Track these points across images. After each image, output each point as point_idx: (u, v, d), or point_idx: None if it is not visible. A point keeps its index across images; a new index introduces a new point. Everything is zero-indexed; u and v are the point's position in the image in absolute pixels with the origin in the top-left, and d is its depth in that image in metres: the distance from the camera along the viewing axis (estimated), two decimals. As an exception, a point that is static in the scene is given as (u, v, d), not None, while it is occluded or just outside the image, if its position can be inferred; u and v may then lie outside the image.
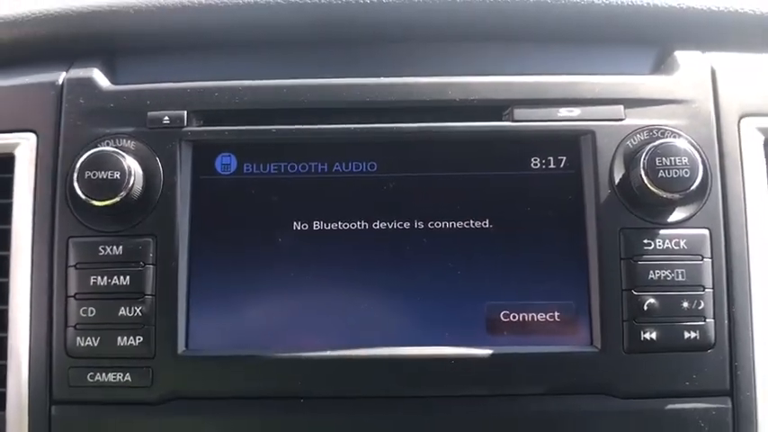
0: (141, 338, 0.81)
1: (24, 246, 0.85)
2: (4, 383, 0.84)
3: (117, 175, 0.81)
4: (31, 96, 0.89)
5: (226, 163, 0.86)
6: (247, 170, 0.85)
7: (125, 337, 0.81)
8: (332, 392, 0.81)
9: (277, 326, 0.83)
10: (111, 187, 0.80)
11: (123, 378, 0.81)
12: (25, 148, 0.87)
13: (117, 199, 0.81)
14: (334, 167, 0.85)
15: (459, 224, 0.83)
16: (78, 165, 0.81)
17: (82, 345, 0.81)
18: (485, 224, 0.83)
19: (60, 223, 0.84)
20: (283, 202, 0.84)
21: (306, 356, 0.81)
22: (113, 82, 0.89)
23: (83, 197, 0.81)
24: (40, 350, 0.83)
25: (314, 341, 0.82)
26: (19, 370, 0.83)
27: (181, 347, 0.81)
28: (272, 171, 0.85)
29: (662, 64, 0.89)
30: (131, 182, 0.81)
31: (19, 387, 0.83)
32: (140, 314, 0.81)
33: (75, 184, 0.81)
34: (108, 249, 0.82)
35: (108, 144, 0.84)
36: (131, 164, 0.82)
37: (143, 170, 0.83)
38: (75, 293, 0.82)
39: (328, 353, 0.81)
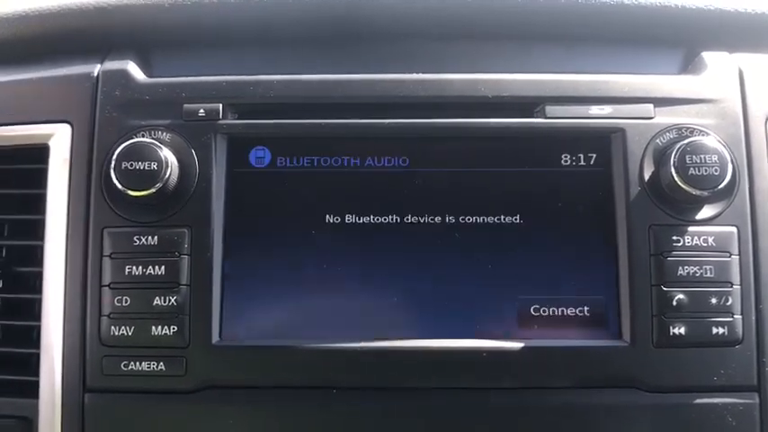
0: (176, 328, 0.81)
1: (59, 236, 0.86)
2: (37, 372, 0.85)
3: (154, 165, 0.81)
4: (66, 88, 0.89)
5: (260, 156, 0.86)
6: (281, 164, 0.86)
7: (159, 327, 0.81)
8: (365, 383, 0.82)
9: (309, 317, 0.83)
10: (148, 178, 0.81)
11: (157, 367, 0.81)
12: (60, 139, 0.88)
13: (153, 190, 0.81)
14: (367, 162, 0.86)
15: (490, 219, 0.84)
16: (115, 155, 0.82)
17: (116, 334, 0.82)
18: (515, 219, 0.84)
19: (95, 213, 0.84)
20: (316, 196, 0.85)
21: (338, 347, 0.81)
22: (148, 75, 0.89)
23: (119, 187, 0.82)
24: (74, 339, 0.83)
25: (346, 333, 0.82)
26: (52, 359, 0.84)
27: (215, 337, 0.82)
28: (305, 165, 0.86)
29: (689, 64, 0.90)
30: (168, 173, 0.82)
31: (52, 376, 0.84)
32: (175, 304, 0.81)
33: (112, 174, 0.82)
34: (143, 239, 0.83)
35: (144, 136, 0.85)
36: (168, 155, 0.82)
37: (178, 162, 0.83)
38: (110, 283, 0.83)
39: (362, 344, 0.81)
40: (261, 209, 0.85)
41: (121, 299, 0.82)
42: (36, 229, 0.89)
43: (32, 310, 0.89)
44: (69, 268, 0.84)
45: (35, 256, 0.89)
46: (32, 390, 0.85)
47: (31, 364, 0.87)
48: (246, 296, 0.83)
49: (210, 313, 0.82)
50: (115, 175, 0.82)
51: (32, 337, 0.88)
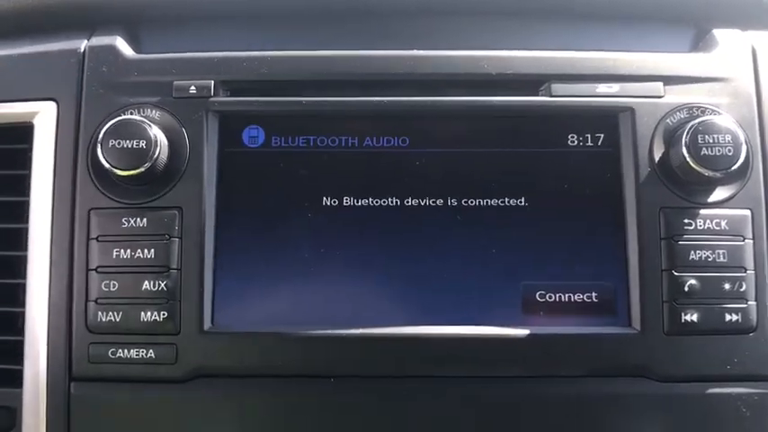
0: (166, 314, 0.78)
1: (43, 218, 0.82)
2: (21, 360, 0.81)
3: (143, 143, 0.78)
4: (51, 64, 0.86)
5: (253, 135, 0.83)
6: (275, 143, 0.83)
7: (149, 312, 0.78)
8: (364, 372, 0.79)
9: (305, 303, 0.80)
10: (136, 156, 0.78)
11: (147, 354, 0.78)
12: (45, 117, 0.84)
13: (142, 169, 0.78)
14: (365, 142, 0.83)
15: (493, 202, 0.81)
16: (102, 133, 0.79)
17: (104, 320, 0.78)
18: (520, 202, 0.81)
19: (81, 194, 0.81)
20: (312, 177, 0.82)
21: (335, 334, 0.78)
22: (136, 51, 0.86)
23: (106, 166, 0.78)
24: (59, 325, 0.80)
25: (343, 319, 0.79)
26: (36, 346, 0.81)
27: (207, 323, 0.78)
28: (300, 144, 0.83)
29: (700, 42, 0.87)
30: (157, 151, 0.78)
31: (36, 364, 0.81)
32: (165, 288, 0.78)
33: (99, 153, 0.78)
34: (132, 221, 0.80)
35: (132, 113, 0.81)
36: (157, 133, 0.79)
37: (168, 141, 0.80)
38: (97, 267, 0.79)
39: (359, 331, 0.78)
40: (254, 190, 0.82)
41: (109, 283, 0.79)
42: (19, 212, 0.85)
43: (16, 295, 0.85)
44: (55, 252, 0.81)
45: (18, 240, 0.85)
46: (17, 379, 0.82)
47: (16, 353, 0.83)
48: (239, 281, 0.80)
49: (202, 298, 0.78)
50: (102, 153, 0.78)
51: (17, 324, 0.84)
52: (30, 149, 0.84)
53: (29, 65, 0.87)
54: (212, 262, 0.79)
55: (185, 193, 0.80)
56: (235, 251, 0.80)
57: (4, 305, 0.85)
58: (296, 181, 0.82)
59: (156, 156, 0.78)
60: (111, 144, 0.78)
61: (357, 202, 0.81)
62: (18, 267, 0.85)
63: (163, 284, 0.78)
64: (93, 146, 0.80)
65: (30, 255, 0.82)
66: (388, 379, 0.79)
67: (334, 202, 0.81)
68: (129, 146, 0.78)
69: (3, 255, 0.85)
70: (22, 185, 0.85)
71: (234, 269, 0.80)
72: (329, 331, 0.78)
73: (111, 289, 0.79)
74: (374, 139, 0.83)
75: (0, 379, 0.82)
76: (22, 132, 0.85)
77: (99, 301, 0.79)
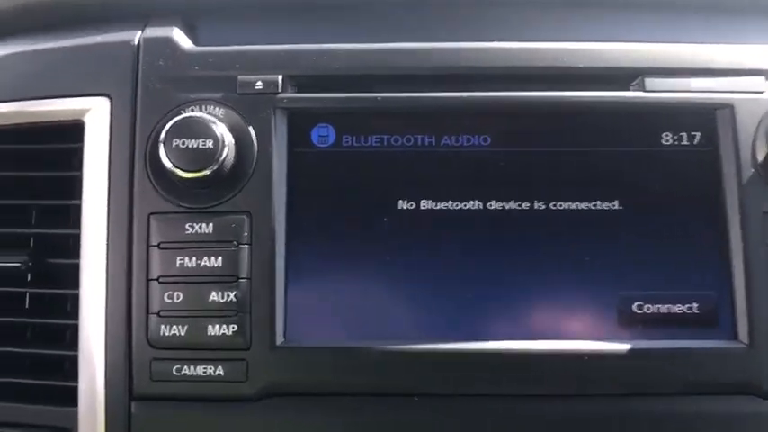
0: (235, 327, 0.72)
1: (97, 223, 0.77)
2: (76, 377, 0.76)
3: (209, 143, 0.73)
4: (102, 57, 0.80)
5: (323, 134, 0.77)
6: (346, 143, 0.77)
7: (217, 326, 0.73)
8: (451, 390, 0.73)
9: (383, 315, 0.74)
10: (202, 157, 0.72)
11: (215, 371, 0.72)
12: (97, 115, 0.79)
13: (208, 171, 0.73)
14: (443, 141, 0.77)
15: (584, 205, 0.75)
16: (164, 131, 0.73)
17: (167, 334, 0.73)
18: (613, 205, 0.75)
19: (140, 198, 0.75)
20: (387, 179, 0.76)
21: (420, 349, 0.72)
22: (194, 43, 0.80)
23: (168, 167, 0.72)
24: (118, 340, 0.74)
25: (426, 333, 0.74)
26: (93, 362, 0.75)
27: (279, 337, 0.73)
28: (373, 144, 0.77)
29: (803, 34, 0.81)
30: (225, 152, 0.73)
31: (93, 381, 0.75)
32: (234, 300, 0.72)
33: (161, 153, 0.73)
34: (197, 227, 0.74)
35: (194, 111, 0.75)
36: (224, 132, 0.74)
37: (234, 140, 0.74)
38: (159, 276, 0.74)
39: (446, 346, 0.73)
40: (325, 193, 0.76)
41: (172, 294, 0.73)
42: (70, 217, 0.80)
43: (65, 306, 0.80)
44: (111, 260, 0.75)
45: (68, 247, 0.80)
46: (71, 397, 0.76)
47: (65, 367, 0.79)
48: (312, 291, 0.75)
49: (274, 310, 0.73)
50: (165, 153, 0.72)
51: (66, 337, 0.79)
52: (80, 149, 0.78)
53: (78, 58, 0.81)
54: (284, 270, 0.74)
55: (254, 196, 0.74)
56: (307, 259, 0.75)
57: (53, 317, 0.79)
58: (369, 183, 0.76)
59: (223, 157, 0.73)
60: (174, 144, 0.73)
61: (436, 206, 0.76)
62: (67, 276, 0.79)
63: (232, 295, 0.73)
64: (152, 145, 0.75)
65: (83, 263, 0.77)
66: (480, 397, 0.73)
67: (411, 205, 0.76)
68: (195, 146, 0.73)
69: (52, 263, 0.79)
70: (72, 188, 0.79)
71: (306, 278, 0.75)
72: (412, 346, 0.73)
73: (175, 300, 0.73)
74: (453, 137, 0.77)
75: (53, 396, 0.77)
76: (71, 131, 0.79)
77: (161, 313, 0.73)
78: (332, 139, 0.77)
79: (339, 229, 0.75)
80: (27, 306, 0.81)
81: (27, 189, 0.81)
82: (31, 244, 0.81)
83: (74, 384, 0.75)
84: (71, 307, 0.79)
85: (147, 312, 0.73)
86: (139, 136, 0.77)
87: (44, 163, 0.81)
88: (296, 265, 0.74)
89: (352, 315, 0.74)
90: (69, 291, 0.78)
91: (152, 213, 0.75)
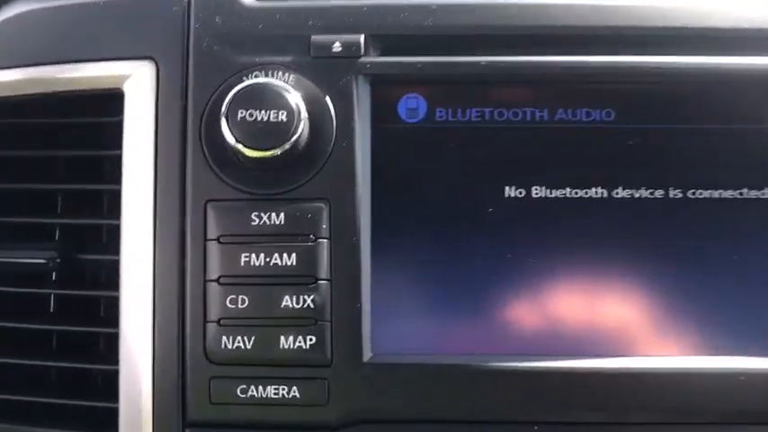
0: (313, 339, 0.62)
1: (142, 212, 0.65)
2: (113, 396, 0.64)
3: (283, 115, 0.61)
4: (146, 14, 0.68)
5: (412, 107, 0.66)
6: (440, 116, 0.66)
7: (291, 337, 0.62)
8: (578, 418, 0.62)
9: (489, 324, 0.63)
10: (275, 132, 0.61)
11: (288, 393, 0.62)
12: (140, 82, 0.67)
13: (278, 150, 0.62)
14: (557, 115, 0.65)
15: (729, 194, 0.64)
16: (227, 101, 0.61)
17: (229, 347, 0.62)
18: (763, 194, 0.64)
19: (195, 182, 0.64)
20: (490, 161, 0.65)
21: (539, 367, 0.61)
22: (257, -3, 0.68)
23: (232, 144, 0.60)
24: (169, 354, 0.63)
25: (544, 347, 0.63)
26: (137, 379, 0.64)
27: (367, 352, 0.62)
28: (473, 119, 0.65)
29: None
30: (301, 126, 0.61)
31: (137, 402, 0.64)
32: (312, 306, 0.62)
33: (224, 127, 0.61)
34: (265, 217, 0.63)
35: (259, 77, 0.63)
36: (299, 102, 0.61)
37: (308, 112, 0.62)
38: (220, 277, 0.63)
39: (569, 363, 0.61)
40: (416, 178, 0.65)
41: (236, 299, 0.62)
42: (111, 204, 0.68)
43: (97, 311, 0.69)
44: (159, 257, 0.64)
45: (101, 240, 0.69)
46: (108, 420, 0.64)
47: (98, 384, 0.68)
48: (404, 296, 0.63)
49: (360, 319, 0.62)
50: (229, 127, 0.61)
51: (98, 347, 0.68)
52: (119, 123, 0.67)
53: (115, 14, 0.69)
54: (370, 271, 0.62)
55: (334, 180, 0.63)
56: (396, 258, 0.64)
57: (85, 324, 0.68)
58: (469, 166, 0.65)
59: (299, 132, 0.61)
60: (240, 116, 0.61)
61: (550, 194, 0.65)
62: (101, 275, 0.69)
63: (309, 300, 0.62)
64: (210, 118, 0.64)
65: (123, 260, 0.65)
66: (610, 426, 0.61)
67: (521, 192, 0.64)
68: (266, 118, 0.61)
69: (84, 259, 0.68)
70: (111, 170, 0.69)
71: (395, 280, 0.63)
72: (529, 363, 0.62)
73: (240, 306, 0.62)
74: (569, 111, 0.65)
75: (87, 420, 0.65)
76: (108, 102, 0.67)
77: (223, 321, 0.62)
78: (423, 113, 0.66)
79: (433, 221, 0.64)
80: (52, 310, 0.70)
81: (51, 172, 0.70)
82: (57, 236, 0.70)
83: (114, 405, 0.64)
84: (105, 311, 0.69)
85: (205, 320, 0.63)
86: (192, 107, 0.65)
87: (72, 140, 0.70)
88: (383, 265, 0.63)
89: (451, 324, 0.64)
90: (107, 293, 0.66)
91: (209, 201, 0.64)
